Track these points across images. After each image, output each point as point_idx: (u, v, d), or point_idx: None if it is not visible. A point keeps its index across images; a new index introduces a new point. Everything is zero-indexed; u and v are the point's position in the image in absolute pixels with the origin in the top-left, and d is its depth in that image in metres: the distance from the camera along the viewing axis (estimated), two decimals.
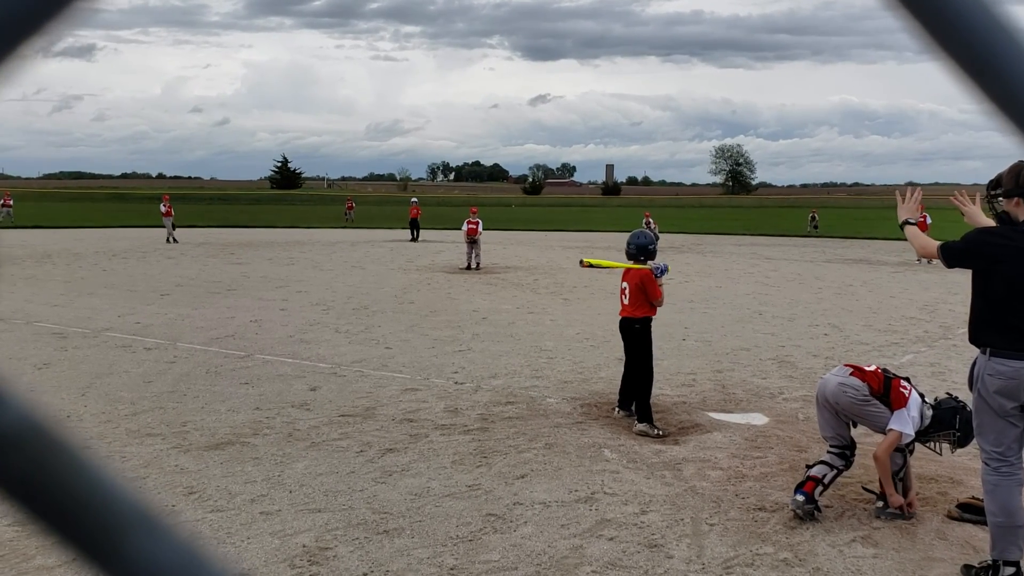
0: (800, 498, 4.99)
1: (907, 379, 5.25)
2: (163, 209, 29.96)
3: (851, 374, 5.11)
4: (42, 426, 0.32)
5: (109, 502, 0.32)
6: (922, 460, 5.88)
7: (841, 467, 5.11)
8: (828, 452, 5.17)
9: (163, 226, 30.26)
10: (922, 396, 5.18)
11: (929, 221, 20.59)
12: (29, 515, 0.32)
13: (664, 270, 7.08)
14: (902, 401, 5.01)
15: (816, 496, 5.02)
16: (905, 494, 5.09)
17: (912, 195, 4.70)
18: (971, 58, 0.36)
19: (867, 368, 5.21)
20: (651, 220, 33.10)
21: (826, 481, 5.06)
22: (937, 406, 5.19)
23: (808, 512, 4.97)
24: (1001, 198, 4.15)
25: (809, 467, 5.19)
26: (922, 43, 0.36)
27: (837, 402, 5.05)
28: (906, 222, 4.62)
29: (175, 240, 29.07)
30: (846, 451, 5.12)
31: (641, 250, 7.17)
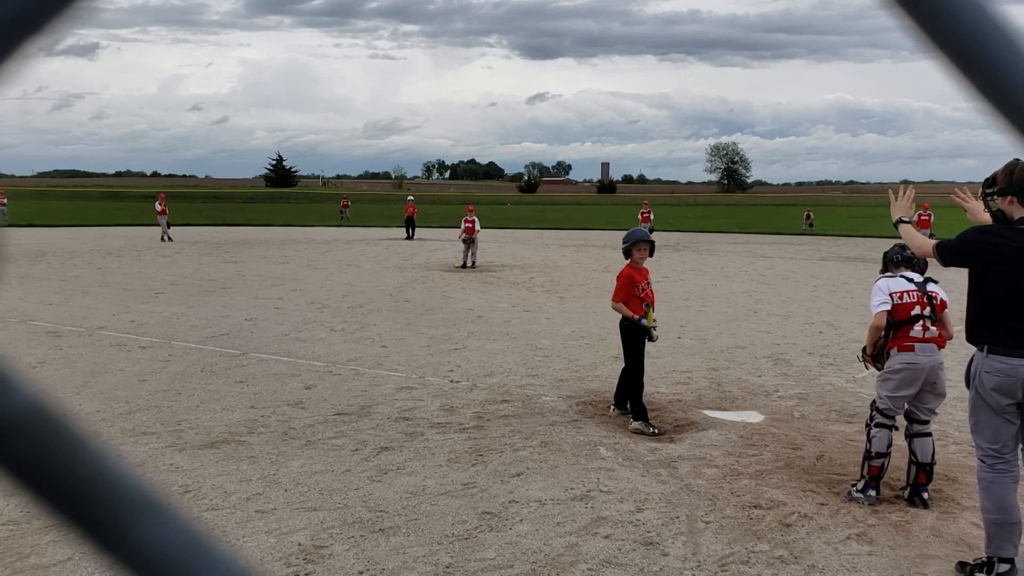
0: (924, 495, 5.28)
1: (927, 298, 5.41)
2: (158, 208, 29.88)
3: (940, 348, 5.29)
4: (48, 411, 0.31)
5: (115, 487, 0.32)
6: None
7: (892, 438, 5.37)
8: (880, 428, 5.31)
9: (158, 224, 30.18)
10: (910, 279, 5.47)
11: (932, 219, 20.62)
12: (35, 500, 0.32)
13: (642, 322, 6.86)
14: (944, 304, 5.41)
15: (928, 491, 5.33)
16: (879, 473, 5.35)
17: (905, 193, 4.73)
18: (963, 53, 0.36)
19: (933, 331, 5.29)
20: (649, 212, 33.13)
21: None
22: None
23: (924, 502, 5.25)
24: (996, 196, 4.16)
25: (873, 459, 5.33)
26: (916, 39, 0.36)
27: (936, 380, 5.25)
28: (900, 220, 4.66)
29: (170, 239, 29.01)
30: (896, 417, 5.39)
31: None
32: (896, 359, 5.24)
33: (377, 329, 11.57)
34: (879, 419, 5.31)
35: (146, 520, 0.32)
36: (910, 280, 5.42)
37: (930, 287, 5.41)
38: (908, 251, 5.50)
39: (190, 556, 0.32)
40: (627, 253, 7.10)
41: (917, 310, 5.27)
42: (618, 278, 7.05)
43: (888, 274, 5.54)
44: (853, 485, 5.38)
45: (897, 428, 5.35)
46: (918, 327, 5.23)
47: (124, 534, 0.31)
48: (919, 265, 5.51)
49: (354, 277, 18.53)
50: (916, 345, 5.19)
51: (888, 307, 5.30)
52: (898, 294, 5.35)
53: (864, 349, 5.66)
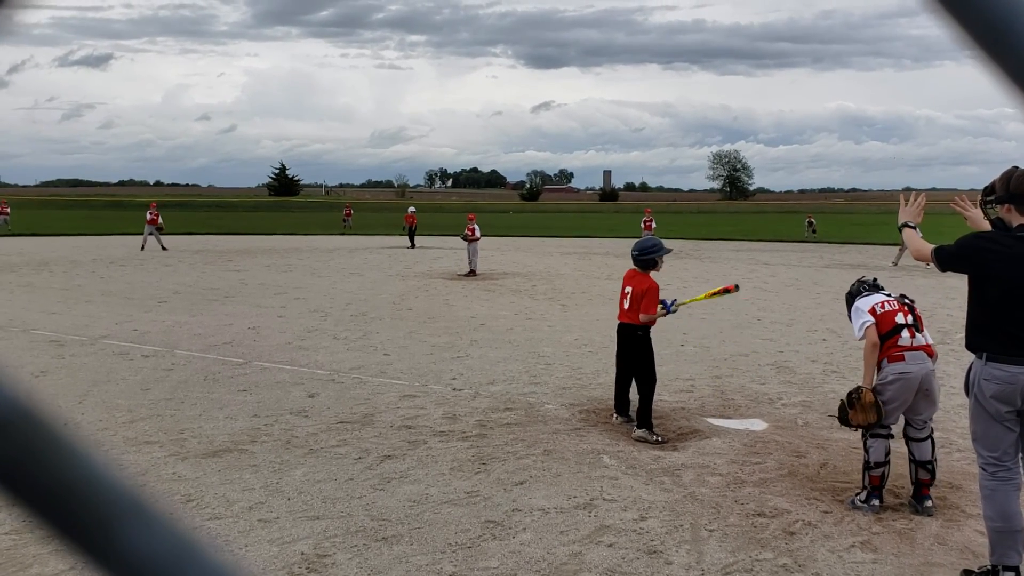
0: (928, 503, 5.23)
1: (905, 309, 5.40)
2: (148, 217, 29.03)
3: (931, 357, 5.26)
4: (31, 411, 0.31)
5: (101, 490, 0.31)
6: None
7: (889, 446, 5.33)
8: (876, 438, 5.27)
9: (151, 233, 28.93)
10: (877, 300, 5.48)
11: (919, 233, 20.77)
12: (17, 503, 0.31)
13: (669, 307, 7.05)
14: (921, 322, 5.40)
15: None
16: (880, 482, 5.30)
17: (916, 200, 4.76)
18: (1001, 47, 0.35)
19: (921, 339, 5.27)
20: (651, 219, 33.20)
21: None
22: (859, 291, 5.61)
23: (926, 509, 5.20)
24: (995, 204, 4.19)
25: (872, 469, 5.28)
26: (955, 35, 0.35)
27: (928, 387, 5.21)
28: (905, 224, 4.70)
29: (163, 247, 28.40)
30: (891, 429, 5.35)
31: (647, 262, 7.17)
32: (888, 370, 5.20)
33: (380, 337, 11.57)
34: (874, 429, 5.29)
35: (134, 526, 0.31)
36: (888, 294, 5.47)
37: (907, 300, 5.44)
38: (868, 280, 5.63)
39: (180, 563, 0.31)
40: (654, 263, 7.12)
41: (900, 318, 5.28)
42: (651, 291, 6.99)
43: (864, 294, 5.53)
44: (856, 495, 5.36)
45: (893, 436, 5.34)
46: (905, 335, 5.22)
47: (111, 541, 0.29)
48: (882, 288, 5.58)
49: (357, 285, 18.54)
50: (906, 354, 5.18)
51: (872, 322, 5.28)
52: (879, 304, 5.35)
53: (849, 401, 5.37)
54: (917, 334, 5.24)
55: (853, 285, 5.74)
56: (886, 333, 5.24)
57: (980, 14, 0.35)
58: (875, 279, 5.77)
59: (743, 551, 4.61)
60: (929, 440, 5.30)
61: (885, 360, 5.22)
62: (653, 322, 7.02)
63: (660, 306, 7.00)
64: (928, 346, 5.27)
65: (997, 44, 0.36)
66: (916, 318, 5.33)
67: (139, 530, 0.31)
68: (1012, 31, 0.36)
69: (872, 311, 5.31)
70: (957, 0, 0.36)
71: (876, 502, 5.24)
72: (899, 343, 5.20)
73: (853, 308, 5.48)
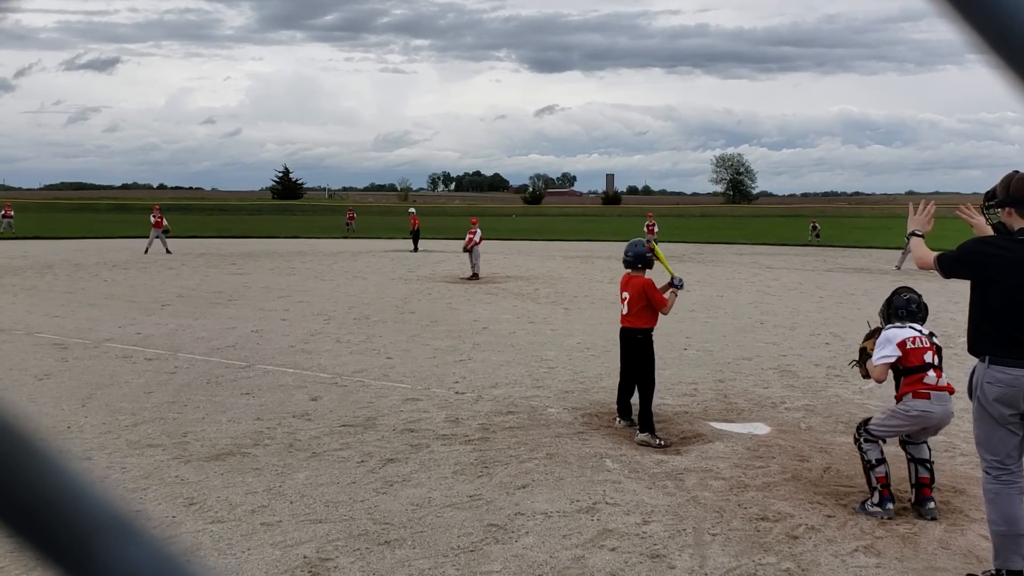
0: (931, 505, 5.22)
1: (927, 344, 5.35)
2: (153, 220, 29.07)
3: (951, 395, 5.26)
4: (8, 423, 0.29)
5: (82, 505, 0.28)
6: None
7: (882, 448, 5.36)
8: (868, 442, 5.30)
9: (157, 236, 28.96)
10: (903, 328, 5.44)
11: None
12: None
13: (676, 284, 7.25)
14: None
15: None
16: (886, 480, 5.29)
17: (924, 208, 4.77)
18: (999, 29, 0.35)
19: (944, 380, 5.24)
20: (654, 223, 33.20)
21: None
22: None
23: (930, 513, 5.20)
24: (996, 209, 4.20)
25: (875, 468, 5.28)
26: (968, 38, 0.35)
27: (942, 426, 5.28)
28: (913, 233, 4.72)
29: (168, 251, 28.47)
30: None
31: (639, 258, 7.19)
32: (912, 405, 5.15)
33: (383, 341, 11.57)
34: (868, 436, 5.31)
35: (116, 543, 0.29)
36: (919, 331, 5.38)
37: (935, 339, 5.40)
38: (913, 304, 5.46)
39: None
40: (644, 260, 7.24)
41: (929, 357, 5.21)
42: (648, 286, 7.04)
43: (897, 324, 5.43)
44: (865, 501, 5.29)
45: (885, 441, 5.37)
46: (932, 374, 5.17)
47: (92, 556, 0.28)
48: (922, 317, 5.48)
49: (360, 289, 18.55)
50: (932, 393, 5.13)
51: (892, 360, 5.22)
52: (911, 339, 5.27)
53: (862, 355, 5.63)
54: (943, 374, 5.23)
55: (897, 296, 5.55)
56: (914, 367, 5.20)
57: (991, 16, 0.35)
58: (920, 297, 5.54)
59: (746, 555, 4.60)
60: (925, 442, 5.34)
61: (910, 395, 5.17)
62: (671, 304, 7.14)
63: (670, 290, 7.14)
64: (950, 385, 5.24)
65: (1007, 46, 0.36)
66: (941, 359, 5.30)
67: (121, 548, 0.29)
68: (1022, 33, 0.35)
69: (902, 345, 5.24)
70: (967, 3, 0.36)
71: (890, 505, 5.19)
72: (925, 380, 5.16)
73: (883, 335, 5.38)
